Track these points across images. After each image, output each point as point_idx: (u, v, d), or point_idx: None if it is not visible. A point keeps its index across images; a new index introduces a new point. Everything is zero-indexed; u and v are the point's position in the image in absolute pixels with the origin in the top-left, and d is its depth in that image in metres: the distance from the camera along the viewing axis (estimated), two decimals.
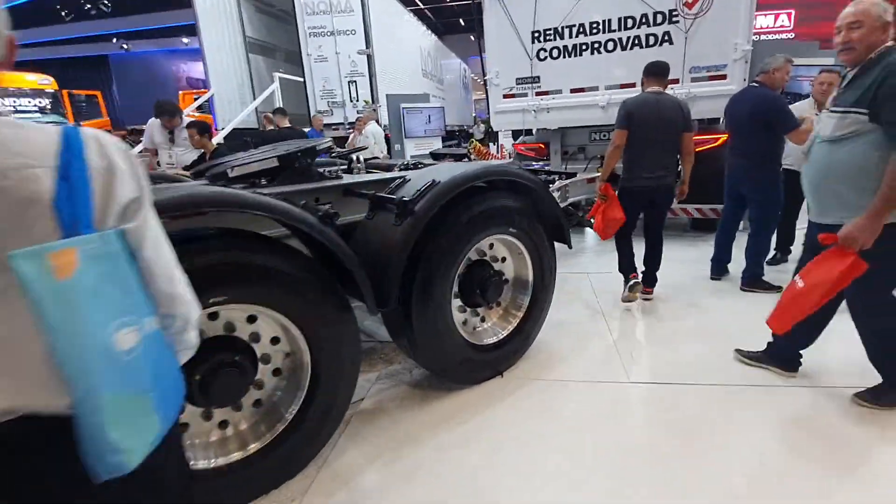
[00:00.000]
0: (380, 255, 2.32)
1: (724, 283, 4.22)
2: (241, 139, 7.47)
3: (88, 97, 16.75)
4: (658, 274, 3.94)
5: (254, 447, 1.99)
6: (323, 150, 2.87)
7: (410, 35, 12.17)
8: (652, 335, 3.38)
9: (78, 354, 0.78)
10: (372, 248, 2.40)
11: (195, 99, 10.56)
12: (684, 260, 4.80)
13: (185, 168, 4.84)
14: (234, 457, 1.95)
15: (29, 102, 14.99)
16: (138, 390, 0.85)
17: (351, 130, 9.43)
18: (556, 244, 3.09)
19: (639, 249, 3.89)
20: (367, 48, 9.53)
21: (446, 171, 2.53)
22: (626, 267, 3.84)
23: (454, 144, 16.79)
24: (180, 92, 18.57)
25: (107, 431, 0.80)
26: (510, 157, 6.76)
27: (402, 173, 3.05)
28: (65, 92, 15.76)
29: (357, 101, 9.80)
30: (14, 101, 14.56)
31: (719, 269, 4.26)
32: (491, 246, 2.83)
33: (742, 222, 4.27)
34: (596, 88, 5.37)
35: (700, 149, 5.01)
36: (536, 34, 5.50)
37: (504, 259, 2.92)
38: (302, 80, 9.83)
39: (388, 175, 2.98)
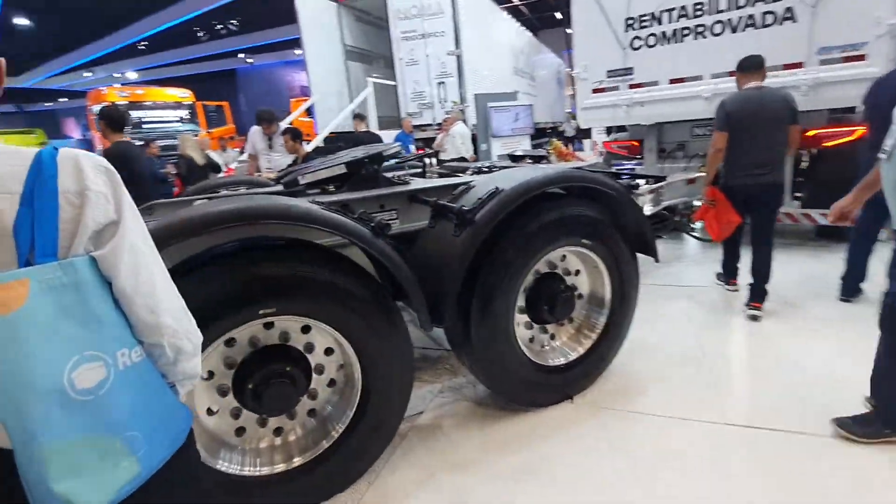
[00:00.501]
0: (437, 266, 2.16)
1: (857, 306, 3.45)
2: (337, 143, 7.73)
3: (217, 107, 18.61)
4: (770, 287, 3.34)
5: (297, 461, 1.93)
6: (389, 155, 2.76)
7: (502, 33, 11.85)
8: (756, 365, 2.85)
9: (15, 398, 0.69)
10: (430, 258, 2.24)
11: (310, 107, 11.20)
12: (806, 274, 4.06)
13: (278, 173, 5.07)
14: (279, 468, 1.91)
15: (172, 114, 17.06)
16: (104, 432, 0.76)
17: (439, 131, 9.41)
18: (643, 256, 2.71)
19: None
20: (456, 49, 9.42)
21: (514, 177, 2.29)
22: (730, 267, 3.64)
23: (545, 143, 16.22)
24: (292, 99, 19.99)
25: (50, 484, 0.71)
26: (601, 157, 6.25)
27: (471, 178, 2.86)
28: (199, 103, 17.68)
29: (445, 101, 9.75)
30: (160, 113, 16.65)
31: (851, 288, 3.51)
32: (563, 258, 2.54)
33: (884, 232, 3.48)
34: (699, 78, 4.72)
35: (830, 143, 4.21)
36: (630, 21, 4.97)
37: (577, 272, 2.61)
38: (394, 83, 9.99)
39: (454, 180, 2.80)
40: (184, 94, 17.33)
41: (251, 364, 1.87)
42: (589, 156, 10.50)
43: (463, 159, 8.75)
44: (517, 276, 2.28)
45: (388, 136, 9.14)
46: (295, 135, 4.93)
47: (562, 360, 2.54)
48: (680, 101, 4.84)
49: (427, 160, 3.60)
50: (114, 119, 4.46)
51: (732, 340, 3.17)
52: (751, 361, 2.88)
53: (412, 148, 9.05)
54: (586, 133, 13.85)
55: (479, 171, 3.34)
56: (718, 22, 4.58)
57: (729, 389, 2.56)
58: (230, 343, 1.85)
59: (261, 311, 1.75)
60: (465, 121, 9.37)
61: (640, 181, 2.99)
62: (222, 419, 1.92)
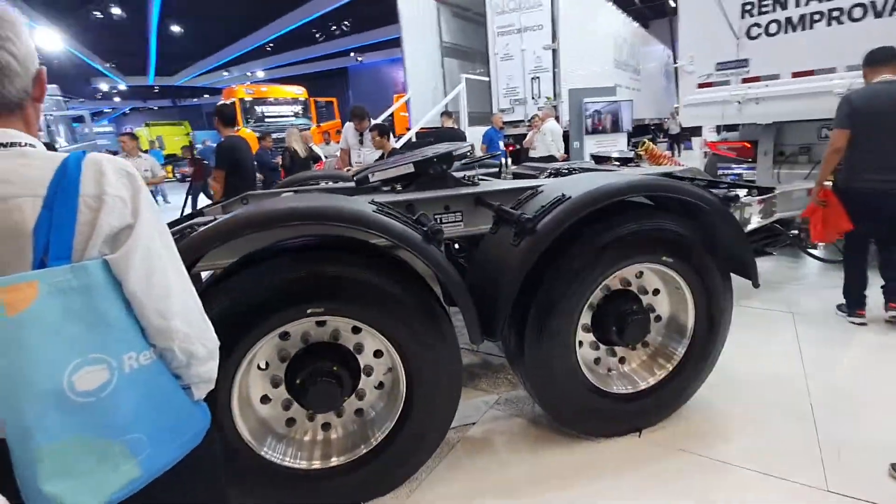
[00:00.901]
0: (494, 275, 2.00)
1: None
2: (427, 138, 7.75)
3: (327, 103, 19.79)
4: None
5: (334, 461, 1.90)
6: (459, 156, 2.64)
7: (604, 25, 11.11)
8: (876, 418, 2.31)
9: (14, 396, 0.70)
10: (488, 266, 2.10)
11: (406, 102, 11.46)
12: None
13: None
14: (315, 464, 1.89)
15: (288, 109, 18.48)
16: (101, 434, 0.75)
17: (530, 128, 9.08)
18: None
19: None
20: (552, 43, 9.00)
21: (586, 184, 2.05)
22: (855, 293, 3.13)
23: (648, 138, 15.05)
24: (396, 95, 20.66)
25: (40, 484, 0.71)
26: (704, 158, 5.57)
27: (543, 182, 2.64)
28: (312, 99, 18.94)
29: (539, 97, 9.38)
30: (279, 109, 18.11)
31: None
32: (639, 275, 2.24)
33: None
34: (832, 70, 3.97)
35: None
36: (748, 6, 4.31)
37: (656, 292, 2.29)
38: (487, 79, 9.81)
39: (524, 183, 2.60)
40: (299, 91, 18.66)
41: (302, 359, 1.87)
42: (695, 156, 9.55)
43: (553, 158, 8.37)
44: (582, 291, 2.04)
45: (478, 132, 9.01)
46: (382, 131, 4.99)
47: (629, 389, 2.25)
48: (806, 97, 4.12)
49: (504, 160, 3.41)
50: (226, 115, 4.84)
51: (849, 383, 2.61)
52: (870, 412, 2.35)
53: (501, 144, 8.85)
54: (696, 131, 12.60)
55: (556, 174, 3.10)
56: (858, 5, 3.80)
57: (838, 446, 2.10)
58: (284, 336, 1.86)
59: (308, 311, 1.73)
60: (557, 117, 8.95)
61: (741, 192, 2.53)
62: (274, 409, 1.95)
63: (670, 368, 2.25)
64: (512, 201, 2.24)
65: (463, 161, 2.86)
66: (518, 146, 10.01)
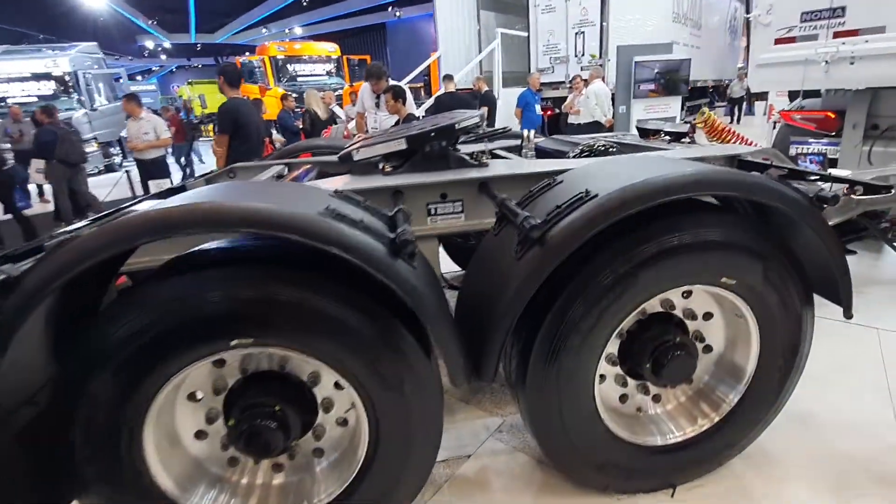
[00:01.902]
0: (488, 296, 1.53)
1: None
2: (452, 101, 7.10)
3: (360, 61, 19.06)
4: None
5: None
6: (462, 129, 2.11)
7: None
8: None
9: None
10: (482, 281, 1.62)
11: (439, 60, 10.72)
12: None
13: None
14: None
15: (321, 68, 17.96)
16: None
17: (571, 89, 8.25)
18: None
19: None
20: None
21: (623, 174, 1.52)
22: None
23: (705, 104, 13.70)
24: (433, 52, 19.71)
25: None
26: (773, 129, 4.73)
27: (569, 164, 2.10)
28: (345, 57, 18.29)
29: (582, 55, 8.47)
30: (311, 67, 17.61)
31: None
32: (687, 294, 1.71)
33: None
34: None
35: None
36: None
37: (708, 316, 1.76)
38: (526, 34, 8.93)
39: (542, 166, 2.07)
40: (331, 49, 18.05)
41: (242, 392, 1.50)
42: (756, 122, 8.51)
43: (597, 125, 7.56)
44: (608, 319, 1.54)
45: (513, 93, 8.27)
46: (397, 94, 4.45)
47: (661, 439, 1.76)
48: None
49: (527, 133, 2.85)
50: (230, 75, 4.43)
51: None
52: None
53: (537, 108, 8.09)
54: (761, 94, 11.28)
55: (589, 152, 2.52)
56: None
57: None
58: (219, 363, 1.48)
59: (234, 343, 1.33)
60: (604, 78, 8.06)
61: (840, 190, 1.86)
62: (211, 446, 1.59)
63: (715, 420, 1.74)
64: (523, 193, 1.73)
65: (481, 134, 2.32)
66: (557, 110, 9.20)
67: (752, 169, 1.93)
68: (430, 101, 8.18)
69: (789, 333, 1.66)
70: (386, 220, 1.58)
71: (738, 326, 1.71)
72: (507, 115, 8.30)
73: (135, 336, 1.27)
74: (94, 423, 1.31)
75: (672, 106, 8.04)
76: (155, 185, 5.75)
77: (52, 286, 1.12)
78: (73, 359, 1.30)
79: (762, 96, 11.67)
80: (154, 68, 43.95)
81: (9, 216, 6.82)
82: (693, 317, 1.74)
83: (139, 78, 36.39)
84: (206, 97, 27.35)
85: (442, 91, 7.44)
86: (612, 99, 7.85)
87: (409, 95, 4.92)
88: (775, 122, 4.83)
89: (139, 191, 6.98)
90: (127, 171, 6.25)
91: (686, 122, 2.75)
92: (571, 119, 8.20)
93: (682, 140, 2.69)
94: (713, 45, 12.78)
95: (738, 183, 1.48)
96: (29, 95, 13.53)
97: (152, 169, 6.85)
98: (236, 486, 1.60)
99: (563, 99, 8.73)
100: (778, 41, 3.95)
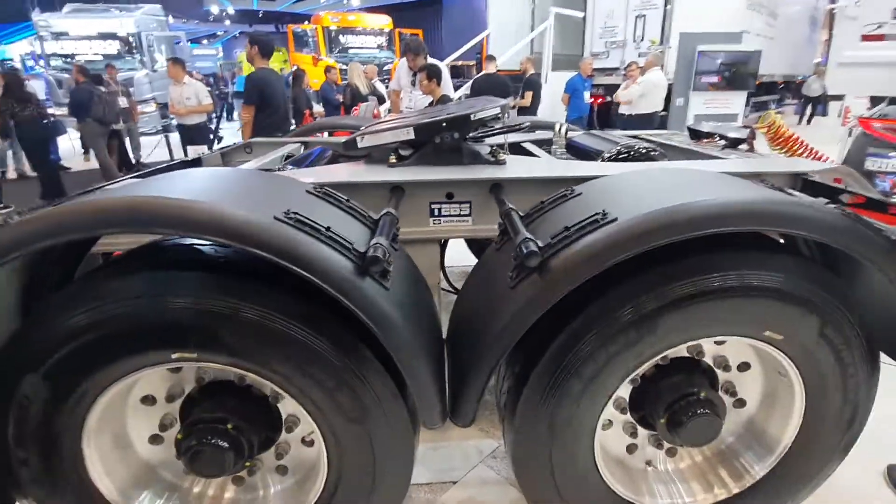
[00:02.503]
0: (476, 326, 1.30)
1: None
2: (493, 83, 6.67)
3: (412, 35, 18.67)
4: None
5: None
6: (478, 121, 1.85)
7: None
8: None
9: None
10: (473, 303, 1.39)
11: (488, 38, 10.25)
12: None
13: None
14: None
15: (372, 41, 17.70)
16: None
17: (626, 76, 7.67)
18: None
19: None
20: None
21: (653, 194, 1.24)
22: None
23: (772, 101, 12.58)
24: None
25: None
26: (848, 137, 4.13)
27: (600, 170, 1.80)
28: (397, 31, 17.92)
29: (641, 40, 7.82)
30: (363, 40, 17.38)
31: None
32: (720, 340, 1.41)
33: None
34: None
35: None
36: None
37: (745, 367, 1.45)
38: (582, 15, 8.33)
39: (564, 169, 1.78)
40: (384, 22, 17.71)
41: (193, 404, 1.35)
42: (828, 124, 7.70)
43: (649, 117, 6.98)
44: (621, 361, 1.27)
45: (563, 78, 7.77)
46: (431, 73, 4.16)
47: (669, 501, 1.49)
48: None
49: (559, 126, 2.54)
50: (265, 46, 4.27)
51: None
52: None
53: (586, 95, 7.58)
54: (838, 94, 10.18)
55: (626, 155, 2.19)
56: None
57: None
58: (176, 369, 1.34)
59: (175, 356, 1.16)
60: (663, 66, 7.43)
61: None
62: (167, 452, 1.46)
63: (734, 492, 1.45)
64: (533, 203, 1.47)
65: (497, 129, 2.04)
66: (609, 98, 8.61)
67: (820, 193, 1.57)
68: (470, 83, 7.81)
69: (842, 403, 1.34)
70: (369, 226, 1.36)
71: (779, 386, 1.40)
72: (553, 100, 7.82)
73: (67, 338, 1.13)
74: (26, 424, 1.19)
75: (735, 102, 7.33)
76: (193, 151, 5.76)
77: None
78: (6, 350, 1.18)
79: (838, 96, 10.55)
80: (219, 33, 44.96)
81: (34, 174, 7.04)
82: (725, 367, 1.44)
83: (205, 42, 37.29)
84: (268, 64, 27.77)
85: (482, 72, 7.07)
86: (669, 90, 7.23)
87: (446, 74, 4.62)
88: (851, 129, 4.22)
89: (179, 154, 7.05)
90: (166, 136, 6.28)
91: (746, 127, 2.35)
92: (622, 109, 7.64)
93: (739, 147, 2.30)
94: (788, 37, 11.60)
95: (798, 219, 1.15)
96: (95, 54, 14.05)
97: (194, 134, 6.90)
98: (187, 495, 1.46)
99: (616, 87, 8.14)
100: (865, 38, 3.38)
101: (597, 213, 1.17)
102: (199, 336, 1.15)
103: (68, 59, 13.78)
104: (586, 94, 7.55)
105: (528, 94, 6.85)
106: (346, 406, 1.23)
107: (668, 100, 7.25)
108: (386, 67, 15.74)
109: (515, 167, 1.86)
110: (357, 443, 1.28)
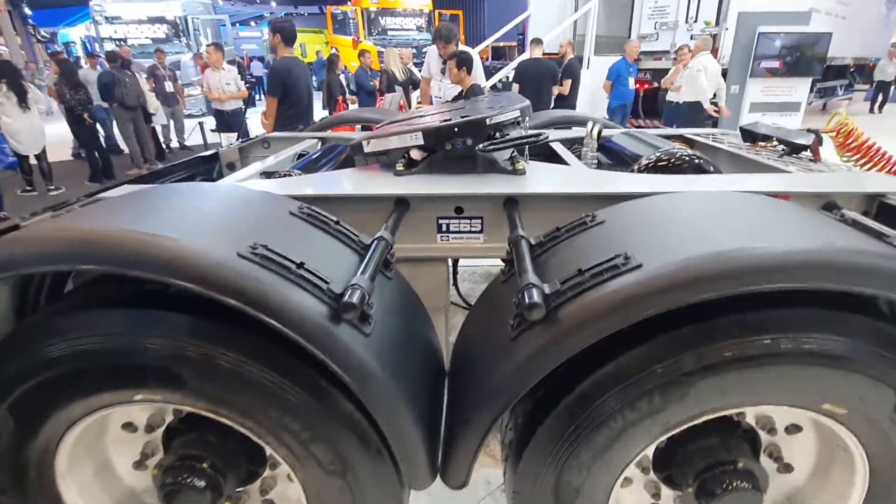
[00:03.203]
0: (473, 371, 1.13)
1: None
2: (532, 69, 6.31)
3: (452, 16, 18.19)
4: None
5: None
6: (494, 126, 1.64)
7: None
8: None
9: None
10: (474, 343, 1.22)
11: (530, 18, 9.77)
12: None
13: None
14: None
15: (411, 22, 17.37)
16: None
17: (675, 61, 7.12)
18: None
19: None
20: None
21: (691, 231, 1.02)
22: None
23: (838, 87, 11.51)
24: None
25: None
26: None
27: (631, 185, 1.56)
28: (437, 12, 17.50)
29: (695, 21, 7.21)
30: (402, 21, 17.08)
31: None
32: None
33: None
34: None
35: None
36: None
37: (794, 430, 1.22)
38: None
39: (588, 187, 1.54)
40: (424, 2, 17.32)
41: (172, 435, 1.27)
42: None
43: (698, 106, 6.44)
44: (643, 430, 1.07)
45: (604, 63, 7.30)
46: (462, 61, 3.92)
47: None
48: None
49: (591, 127, 2.28)
50: (287, 33, 4.13)
51: None
52: None
53: (630, 82, 7.09)
54: None
55: (665, 163, 1.93)
56: None
57: None
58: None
59: (138, 397, 1.06)
60: (715, 51, 6.84)
61: None
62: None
63: None
64: (556, 227, 1.27)
65: (511, 140, 1.81)
66: (656, 84, 8.06)
67: None
68: (513, 65, 7.43)
69: None
70: (359, 251, 1.21)
71: (837, 460, 1.16)
72: (594, 87, 7.37)
73: (27, 372, 1.04)
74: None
75: (797, 90, 6.67)
76: (225, 139, 5.78)
77: None
78: None
79: None
80: (266, 14, 45.53)
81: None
82: (770, 430, 1.22)
83: (253, 24, 37.84)
84: (308, 46, 27.92)
85: (527, 56, 6.69)
86: (724, 75, 6.65)
87: (478, 63, 4.36)
88: None
89: (212, 139, 7.10)
90: (200, 123, 6.34)
91: (811, 132, 2.01)
92: (671, 96, 7.12)
93: (802, 155, 1.98)
94: (861, 17, 10.47)
95: (874, 272, 0.90)
96: (146, 38, 14.47)
97: (230, 119, 6.94)
98: None
99: (664, 72, 7.59)
100: None
101: (618, 256, 0.97)
102: (163, 378, 1.03)
103: (120, 43, 14.26)
104: (631, 81, 7.07)
105: (567, 82, 6.46)
106: (323, 458, 1.09)
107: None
108: (425, 50, 15.45)
109: (534, 179, 1.65)
110: (338, 496, 1.15)
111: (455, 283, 2.28)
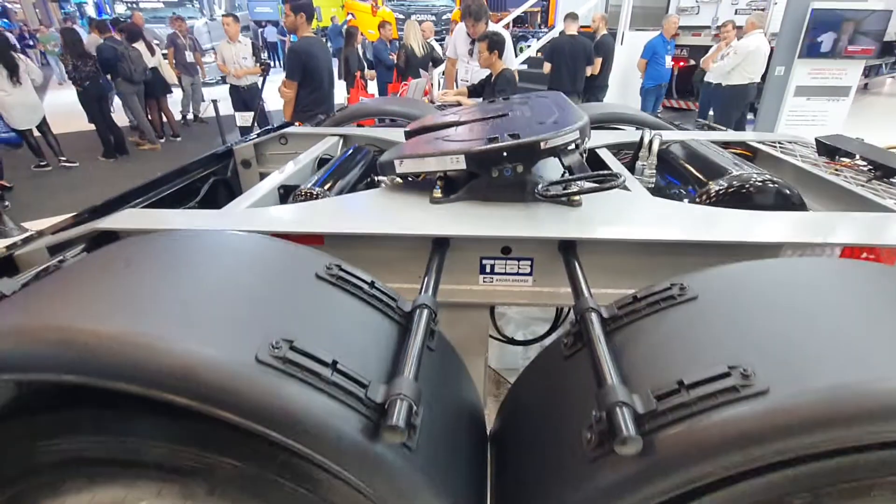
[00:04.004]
0: (525, 481, 0.95)
1: None
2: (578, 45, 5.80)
3: None
4: None
5: None
6: (547, 152, 1.40)
7: None
8: None
9: None
10: (526, 437, 1.04)
11: None
12: None
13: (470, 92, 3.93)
14: None
15: None
16: None
17: (717, 37, 6.63)
18: None
19: None
20: None
21: (824, 332, 0.81)
22: None
23: (884, 65, 10.77)
24: None
25: None
26: None
27: (712, 230, 1.33)
28: None
29: None
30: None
31: None
32: None
33: None
34: None
35: None
36: None
37: None
38: None
39: (655, 233, 1.31)
40: None
41: None
42: None
43: (744, 90, 5.98)
44: None
45: (640, 39, 6.82)
46: (494, 44, 3.59)
47: None
48: None
49: (648, 138, 2.02)
50: (310, 11, 3.84)
51: None
52: None
53: (667, 60, 6.63)
54: None
55: (742, 191, 1.67)
56: None
57: None
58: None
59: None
60: (764, 28, 6.33)
61: None
62: None
63: None
64: (634, 295, 1.06)
65: (566, 180, 1.55)
66: (694, 62, 7.56)
67: None
68: (545, 42, 6.96)
69: None
70: (399, 321, 1.02)
71: None
72: (627, 65, 6.92)
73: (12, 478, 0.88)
74: None
75: (849, 72, 6.16)
76: (241, 118, 5.55)
77: None
78: None
79: None
80: None
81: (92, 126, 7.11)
82: None
83: None
84: (323, 10, 26.97)
85: (561, 32, 6.24)
86: (769, 58, 6.17)
87: (510, 45, 4.02)
88: None
89: (225, 111, 6.83)
90: (214, 101, 6.09)
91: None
92: (710, 77, 6.66)
93: (892, 180, 1.71)
94: None
95: None
96: (158, 1, 14.04)
97: (246, 96, 6.68)
98: None
99: (703, 49, 7.09)
100: None
101: (733, 369, 0.76)
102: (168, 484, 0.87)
103: (132, 6, 13.86)
104: (667, 59, 6.61)
105: (598, 61, 6.04)
106: None
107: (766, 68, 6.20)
108: (445, 17, 14.76)
109: (594, 214, 1.42)
110: None
111: (493, 317, 2.09)
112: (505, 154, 1.41)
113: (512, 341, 2.08)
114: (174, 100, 8.76)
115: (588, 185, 1.45)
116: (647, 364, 0.88)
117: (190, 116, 9.35)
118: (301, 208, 1.52)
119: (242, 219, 1.42)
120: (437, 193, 1.51)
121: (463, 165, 1.45)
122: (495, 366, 2.65)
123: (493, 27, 4.13)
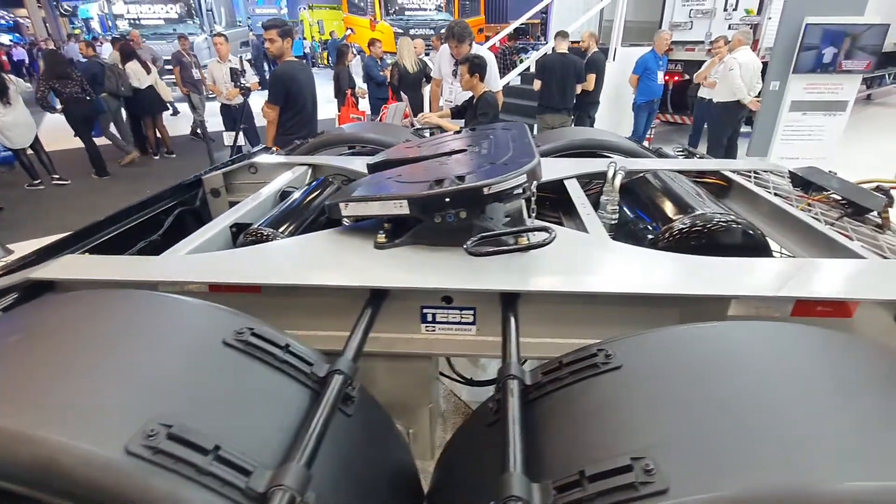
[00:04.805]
0: None
1: None
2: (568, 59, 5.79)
3: (456, 21, 17.50)
4: None
5: None
6: (494, 196, 1.37)
7: None
8: None
9: None
10: None
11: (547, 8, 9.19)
12: None
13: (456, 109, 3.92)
14: None
15: (430, 1, 16.75)
16: None
17: (709, 52, 6.63)
18: None
19: None
20: None
21: (748, 414, 0.76)
22: None
23: (891, 75, 10.72)
24: None
25: None
26: None
27: (665, 282, 1.29)
28: None
29: (734, 9, 6.64)
30: (420, 0, 16.50)
31: None
32: None
33: None
34: None
35: None
36: None
37: None
38: None
39: (600, 286, 1.26)
40: None
41: None
42: None
43: (736, 106, 5.95)
44: None
45: (631, 55, 6.82)
46: (474, 67, 3.58)
47: None
48: None
49: (612, 171, 1.99)
50: (291, 33, 3.86)
51: None
52: None
53: (659, 76, 6.62)
54: None
55: (702, 233, 1.62)
56: None
57: None
58: None
59: None
60: (755, 45, 6.31)
61: None
62: None
63: None
64: (559, 359, 1.01)
65: (504, 232, 1.50)
66: (687, 77, 7.55)
67: None
68: (538, 57, 6.97)
69: None
70: (311, 387, 0.98)
71: None
72: (619, 80, 6.91)
73: None
74: None
75: (845, 87, 6.11)
76: (228, 137, 5.58)
77: None
78: None
79: None
80: None
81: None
82: None
83: None
84: (325, 23, 27.35)
85: (550, 51, 6.25)
86: (763, 73, 6.14)
87: (493, 66, 4.02)
88: None
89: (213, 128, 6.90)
90: (202, 122, 6.12)
91: (879, 190, 1.68)
92: (703, 92, 6.65)
93: (868, 218, 1.65)
94: None
95: None
96: (159, 18, 14.28)
97: (237, 115, 6.72)
98: None
99: (696, 64, 7.08)
100: None
101: (637, 461, 0.71)
102: None
103: (133, 22, 14.10)
104: (660, 75, 6.59)
105: (591, 77, 6.05)
106: None
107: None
108: (443, 32, 14.90)
109: (542, 264, 1.38)
110: None
111: (450, 362, 2.04)
112: (448, 200, 1.38)
113: (470, 382, 2.03)
114: (185, 115, 8.88)
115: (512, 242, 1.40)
116: (558, 444, 0.84)
117: (199, 131, 9.46)
118: (242, 254, 1.49)
119: (178, 269, 1.39)
120: (382, 238, 1.48)
121: (406, 210, 1.42)
122: (467, 399, 2.60)
123: (476, 49, 4.13)
